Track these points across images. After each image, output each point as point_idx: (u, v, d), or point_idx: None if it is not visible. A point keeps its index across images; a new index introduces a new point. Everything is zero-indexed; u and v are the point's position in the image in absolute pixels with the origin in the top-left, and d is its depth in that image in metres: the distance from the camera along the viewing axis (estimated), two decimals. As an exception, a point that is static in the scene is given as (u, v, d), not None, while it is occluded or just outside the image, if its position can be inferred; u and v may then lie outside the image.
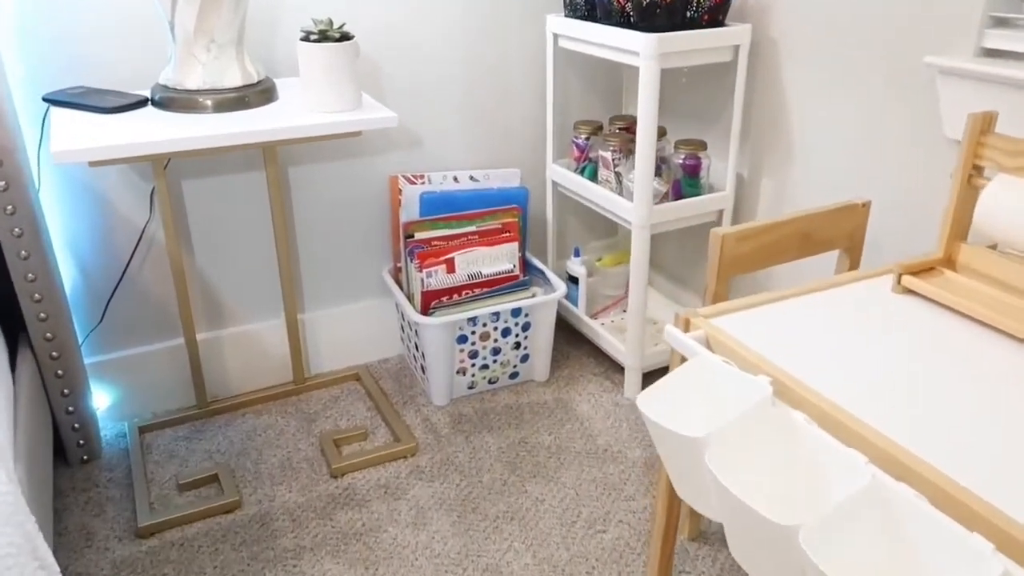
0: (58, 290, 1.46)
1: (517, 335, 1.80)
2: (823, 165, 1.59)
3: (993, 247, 1.11)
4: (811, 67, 1.56)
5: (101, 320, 1.67)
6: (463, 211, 1.80)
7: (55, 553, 1.38)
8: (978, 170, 1.08)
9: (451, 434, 1.69)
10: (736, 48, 1.62)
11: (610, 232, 2.20)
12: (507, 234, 1.80)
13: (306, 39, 1.40)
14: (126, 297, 1.68)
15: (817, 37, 1.53)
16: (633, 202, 1.64)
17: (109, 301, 1.67)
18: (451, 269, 1.74)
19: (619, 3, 1.58)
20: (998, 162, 1.04)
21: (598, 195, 1.77)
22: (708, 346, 1.02)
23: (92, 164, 1.28)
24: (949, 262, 1.13)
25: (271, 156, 1.60)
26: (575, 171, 1.89)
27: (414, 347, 1.83)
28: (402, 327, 1.92)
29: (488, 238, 1.78)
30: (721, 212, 1.76)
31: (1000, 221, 1.02)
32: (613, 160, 1.76)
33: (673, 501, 1.22)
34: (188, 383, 1.77)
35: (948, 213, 1.11)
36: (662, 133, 1.80)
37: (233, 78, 1.43)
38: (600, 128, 1.88)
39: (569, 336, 2.06)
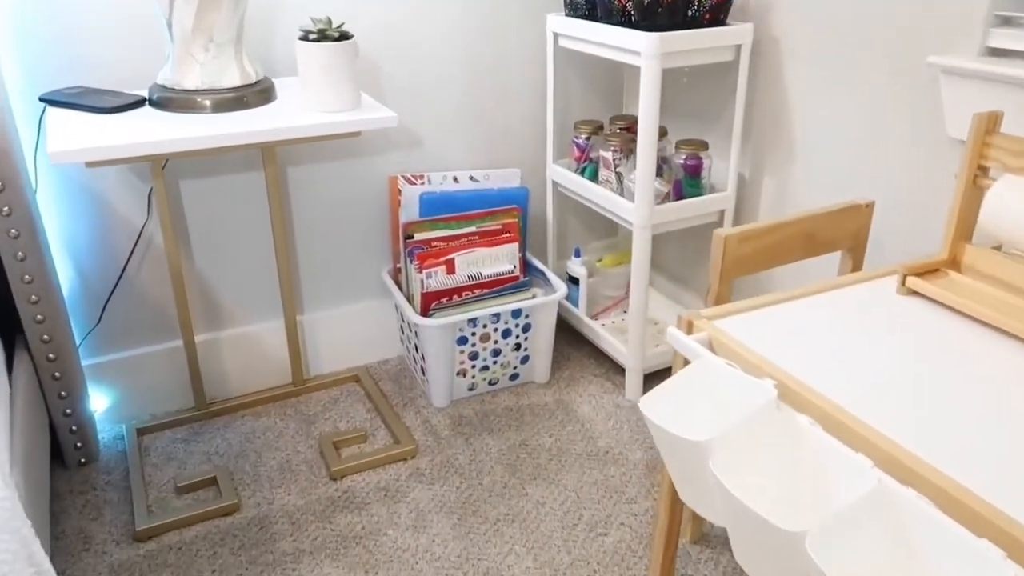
0: (55, 292, 1.45)
1: (517, 336, 1.79)
2: (825, 165, 1.58)
3: (998, 248, 1.11)
4: (813, 66, 1.55)
5: (99, 322, 1.66)
6: (463, 211, 1.79)
7: (52, 557, 1.37)
8: (983, 170, 1.07)
9: (451, 436, 1.68)
10: (738, 48, 1.61)
11: (610, 232, 2.19)
12: (507, 235, 1.79)
13: (305, 38, 1.39)
14: (124, 298, 1.67)
15: (819, 36, 1.52)
16: (634, 202, 1.63)
17: (107, 302, 1.66)
18: (451, 270, 1.73)
19: (620, 2, 1.57)
20: (1003, 162, 1.04)
21: (599, 195, 1.76)
22: (711, 348, 1.01)
23: (89, 165, 1.27)
24: (954, 263, 1.12)
25: (270, 156, 1.59)
26: (575, 171, 1.88)
27: (414, 348, 1.82)
28: (402, 328, 1.91)
29: (488, 239, 1.77)
30: (722, 212, 1.75)
31: (1006, 222, 1.01)
32: (614, 160, 1.75)
33: (675, 504, 1.21)
34: (186, 385, 1.76)
35: (953, 214, 1.10)
36: (663, 133, 1.79)
37: (231, 78, 1.42)
38: (601, 128, 1.87)
39: (569, 337, 2.05)
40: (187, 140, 1.28)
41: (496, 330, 1.75)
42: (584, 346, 2.01)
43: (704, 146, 1.71)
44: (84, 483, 1.54)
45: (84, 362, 1.66)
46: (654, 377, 1.86)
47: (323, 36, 1.39)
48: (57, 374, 1.49)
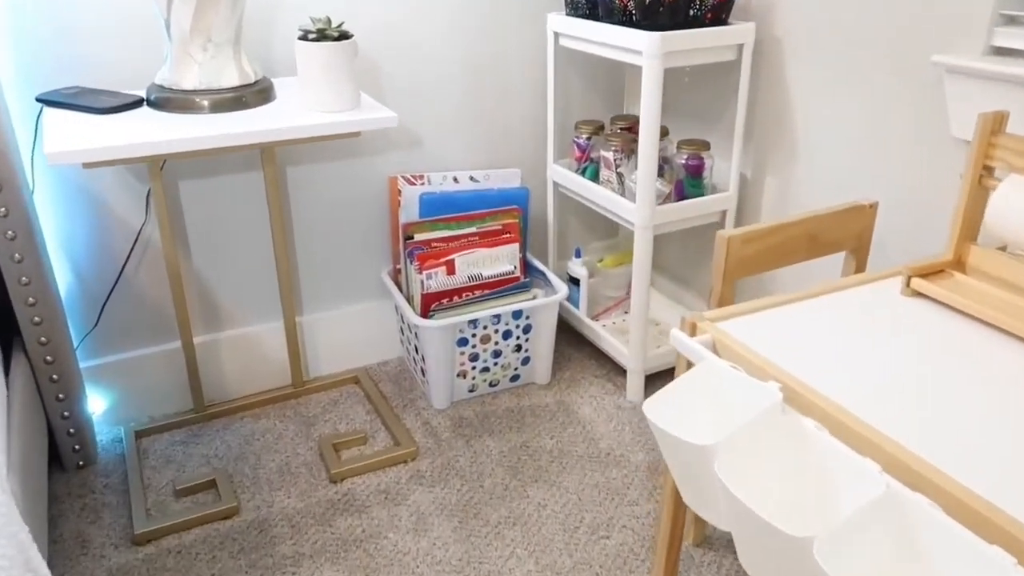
0: (52, 294, 1.44)
1: (518, 337, 1.78)
2: (828, 165, 1.57)
3: (1003, 249, 1.10)
4: (815, 66, 1.54)
5: (96, 324, 1.65)
6: (463, 212, 1.78)
7: (50, 561, 1.35)
8: (988, 171, 1.06)
9: (452, 438, 1.67)
10: (740, 47, 1.60)
11: (611, 233, 2.18)
12: (508, 235, 1.78)
13: (304, 38, 1.38)
14: (122, 300, 1.66)
15: (822, 35, 1.51)
16: (636, 203, 1.62)
17: (105, 304, 1.65)
18: (451, 271, 1.72)
19: (621, 2, 1.56)
20: (1009, 162, 1.03)
21: (600, 196, 1.75)
22: (714, 350, 1.00)
23: (86, 166, 1.26)
24: (959, 264, 1.11)
25: (269, 157, 1.58)
26: (576, 171, 1.87)
27: (414, 350, 1.81)
28: (401, 329, 1.90)
29: (489, 239, 1.76)
30: (724, 213, 1.74)
31: (1011, 222, 1.01)
32: (615, 160, 1.74)
33: (679, 507, 1.20)
34: (185, 387, 1.75)
35: (958, 214, 1.09)
36: (664, 133, 1.78)
37: (230, 78, 1.41)
38: (601, 128, 1.86)
39: (570, 338, 2.04)
40: (185, 141, 1.27)
41: (497, 331, 1.74)
42: (585, 347, 2.00)
43: (706, 146, 1.70)
44: (82, 486, 1.53)
45: (82, 364, 1.65)
46: (655, 378, 1.86)
47: (322, 36, 1.38)
48: (55, 376, 1.48)
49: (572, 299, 1.96)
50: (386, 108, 1.45)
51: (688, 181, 1.72)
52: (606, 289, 2.01)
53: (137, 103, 1.41)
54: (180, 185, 1.63)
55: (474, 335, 1.72)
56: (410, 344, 1.83)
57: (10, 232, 1.34)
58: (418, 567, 1.35)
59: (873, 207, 1.27)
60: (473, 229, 1.77)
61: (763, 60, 1.65)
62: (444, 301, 1.72)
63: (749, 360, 0.95)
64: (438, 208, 1.77)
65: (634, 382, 1.78)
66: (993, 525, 0.69)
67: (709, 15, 1.55)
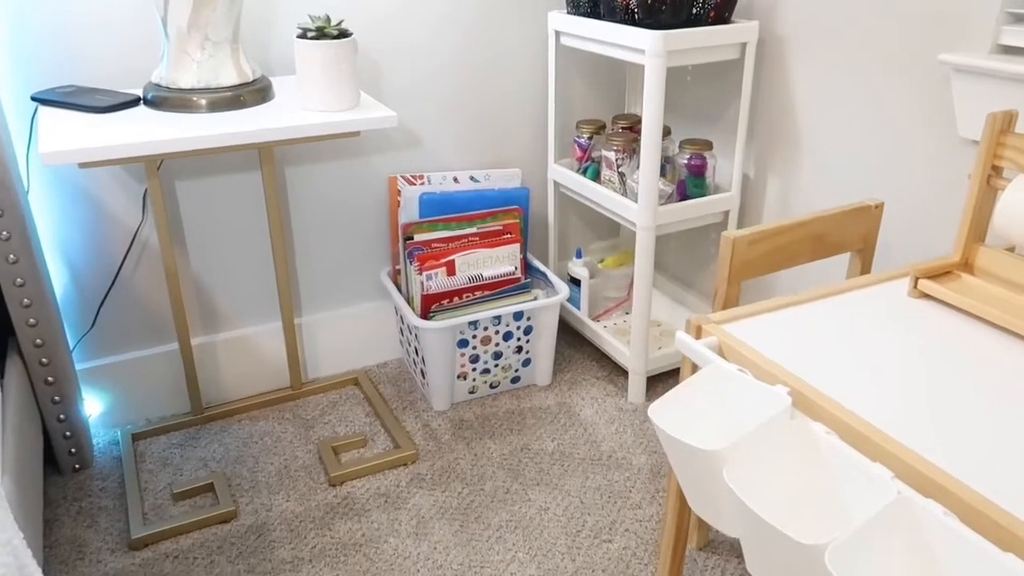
0: (48, 295, 1.42)
1: (519, 339, 1.76)
2: (831, 165, 1.56)
3: (1011, 250, 1.08)
4: (819, 65, 1.53)
5: (93, 325, 1.63)
6: (463, 212, 1.76)
7: (45, 566, 1.34)
8: (997, 171, 1.05)
9: (452, 440, 1.66)
10: (743, 46, 1.59)
11: (612, 233, 2.17)
12: (508, 235, 1.76)
13: (303, 36, 1.36)
14: (118, 301, 1.64)
15: (826, 34, 1.50)
16: (638, 203, 1.61)
17: (101, 305, 1.63)
18: (451, 271, 1.71)
19: (623, 0, 1.54)
20: (1018, 163, 1.01)
21: (601, 196, 1.73)
22: (721, 353, 0.99)
23: (82, 165, 1.25)
24: (966, 265, 1.10)
25: (267, 156, 1.57)
26: (577, 171, 1.85)
27: (414, 351, 1.79)
28: (401, 331, 1.89)
29: (489, 240, 1.74)
30: (727, 213, 1.73)
31: (1020, 223, 0.99)
32: (616, 160, 1.72)
33: (683, 511, 1.19)
34: (182, 389, 1.74)
35: (966, 215, 1.08)
36: (666, 132, 1.76)
37: (228, 77, 1.39)
38: (603, 127, 1.84)
39: (571, 339, 2.02)
40: (183, 140, 1.26)
41: (497, 332, 1.73)
42: (585, 348, 1.99)
43: (708, 145, 1.69)
44: (78, 490, 1.52)
45: (78, 366, 1.63)
46: (657, 380, 1.84)
47: (322, 34, 1.36)
48: (50, 379, 1.46)
49: (573, 300, 1.94)
50: (386, 107, 1.44)
51: (690, 181, 1.71)
52: (607, 290, 2.00)
53: (134, 102, 1.39)
54: (177, 185, 1.61)
55: (474, 336, 1.71)
56: (410, 345, 1.82)
57: (5, 233, 1.32)
58: (419, 572, 1.33)
59: (879, 207, 1.26)
60: (473, 229, 1.75)
61: (766, 59, 1.64)
62: (444, 302, 1.70)
63: (756, 363, 0.93)
64: (438, 208, 1.76)
65: (636, 384, 1.77)
66: (1007, 532, 0.68)
67: (712, 14, 1.54)
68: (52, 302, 1.44)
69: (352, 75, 1.40)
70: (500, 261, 1.75)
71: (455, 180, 1.84)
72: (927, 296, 1.09)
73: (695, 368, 1.02)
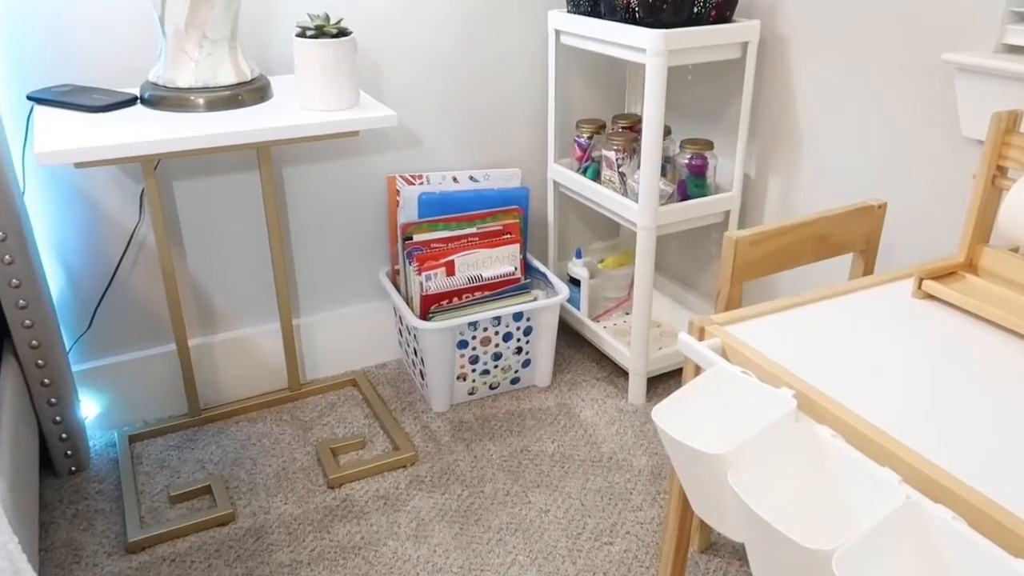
0: (44, 296, 1.41)
1: (519, 340, 1.75)
2: (833, 165, 1.55)
3: (1016, 250, 1.08)
4: (821, 64, 1.52)
5: (89, 326, 1.62)
6: (463, 212, 1.75)
7: (40, 570, 1.32)
8: (1002, 171, 1.04)
9: (451, 442, 1.65)
10: (744, 45, 1.58)
11: (612, 233, 2.16)
12: (508, 236, 1.75)
13: (302, 35, 1.35)
14: (115, 302, 1.63)
15: (828, 33, 1.49)
16: (639, 203, 1.60)
17: (98, 306, 1.62)
18: (451, 272, 1.69)
19: (624, -2, 1.53)
20: (1023, 163, 1.00)
21: (601, 196, 1.72)
22: (724, 355, 0.98)
23: (79, 165, 1.23)
24: (971, 266, 1.09)
25: (265, 156, 1.56)
26: (577, 171, 1.84)
27: (413, 352, 1.78)
28: (400, 331, 1.87)
29: (489, 240, 1.73)
30: (727, 213, 1.72)
31: (1026, 224, 0.98)
32: (617, 160, 1.71)
33: (685, 514, 1.18)
34: (180, 390, 1.72)
35: (970, 215, 1.07)
36: (667, 132, 1.75)
37: (226, 75, 1.38)
38: (603, 127, 1.83)
39: (570, 339, 2.01)
40: (180, 140, 1.25)
41: (497, 333, 1.72)
42: (585, 348, 1.98)
43: (709, 145, 1.68)
44: (74, 492, 1.50)
45: (74, 368, 1.62)
46: (657, 381, 1.83)
47: (321, 33, 1.35)
48: (46, 380, 1.45)
49: (572, 300, 1.93)
50: (385, 107, 1.43)
51: (691, 181, 1.70)
52: (607, 290, 1.99)
53: (131, 101, 1.38)
54: (175, 185, 1.60)
55: (474, 337, 1.70)
56: (409, 346, 1.81)
57: (0, 233, 1.31)
58: (418, 575, 1.32)
59: (882, 208, 1.25)
60: (473, 230, 1.74)
61: (768, 58, 1.63)
62: (444, 303, 1.69)
63: (760, 365, 0.92)
64: (437, 208, 1.75)
65: (636, 385, 1.76)
66: (1018, 538, 0.67)
67: (713, 12, 1.53)
68: (48, 303, 1.43)
69: (351, 74, 1.38)
70: (500, 261, 1.74)
71: (454, 180, 1.83)
72: (931, 297, 1.08)
73: (698, 370, 1.01)
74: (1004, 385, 0.89)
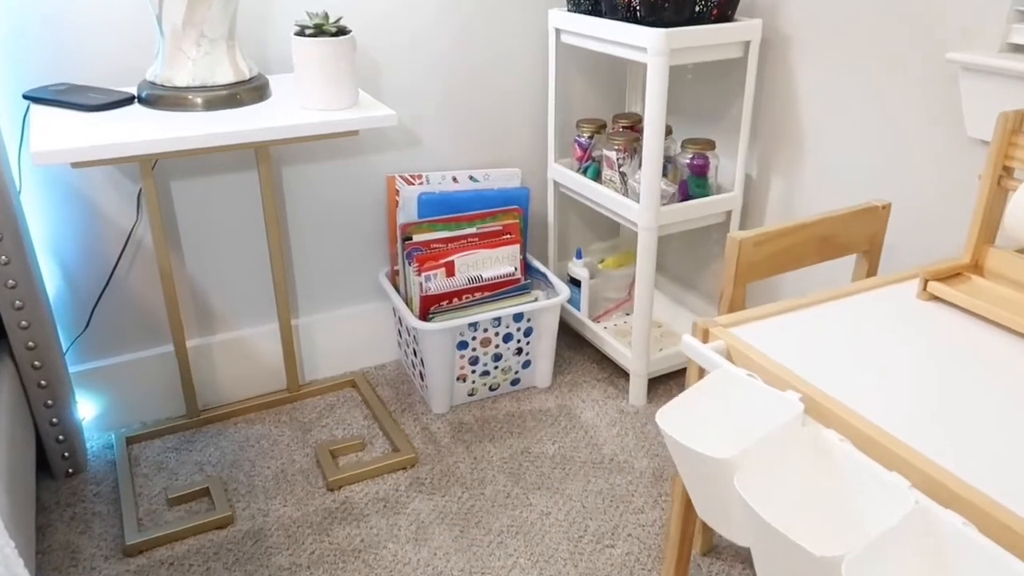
0: (41, 297, 1.39)
1: (519, 340, 1.74)
2: (836, 165, 1.54)
3: (1022, 251, 1.07)
4: (824, 63, 1.51)
5: (86, 327, 1.61)
6: (462, 212, 1.74)
7: (37, 573, 1.31)
8: (1008, 171, 1.03)
9: (451, 444, 1.64)
10: (746, 44, 1.57)
11: (612, 233, 2.15)
12: (508, 236, 1.74)
13: (301, 33, 1.34)
14: (112, 303, 1.62)
15: (831, 32, 1.48)
16: (640, 203, 1.59)
17: (95, 307, 1.60)
18: (451, 272, 1.68)
19: (625, -3, 1.52)
20: (1031, 163, 1.00)
21: (602, 196, 1.71)
22: (728, 357, 0.97)
23: (75, 165, 1.22)
24: (976, 267, 1.08)
25: (264, 156, 1.54)
26: (577, 171, 1.83)
27: (412, 353, 1.77)
28: (399, 332, 1.86)
29: (489, 240, 1.72)
30: (729, 213, 1.71)
31: (1033, 225, 0.97)
32: (618, 160, 1.70)
33: (688, 517, 1.17)
34: (178, 391, 1.71)
35: (976, 216, 1.06)
36: (668, 132, 1.74)
37: (224, 74, 1.37)
38: (603, 127, 1.82)
39: (570, 340, 2.00)
40: (178, 140, 1.23)
41: (497, 334, 1.71)
42: (585, 349, 1.97)
43: (711, 145, 1.67)
44: (71, 495, 1.49)
45: (71, 369, 1.61)
46: (658, 382, 1.82)
47: (320, 31, 1.34)
48: (43, 382, 1.43)
49: (573, 301, 1.92)
50: (385, 106, 1.41)
51: (693, 181, 1.69)
52: (607, 291, 1.98)
53: (128, 100, 1.37)
54: (172, 184, 1.59)
55: (474, 338, 1.69)
56: (408, 347, 1.79)
57: (-4, 234, 1.30)
58: (419, 578, 1.31)
59: (886, 208, 1.24)
60: (473, 230, 1.73)
61: (770, 57, 1.62)
62: (443, 303, 1.68)
63: (765, 368, 0.91)
64: (437, 208, 1.73)
65: (637, 386, 1.75)
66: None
67: (715, 11, 1.52)
68: (45, 304, 1.41)
69: (351, 73, 1.37)
70: (500, 262, 1.73)
71: (454, 180, 1.82)
72: (936, 298, 1.07)
73: (702, 372, 1.00)
74: (1010, 387, 0.88)
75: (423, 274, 1.66)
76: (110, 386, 1.65)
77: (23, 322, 1.37)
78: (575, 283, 1.91)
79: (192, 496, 1.48)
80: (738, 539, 0.89)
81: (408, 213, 1.75)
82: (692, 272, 2.00)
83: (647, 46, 1.47)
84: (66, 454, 1.51)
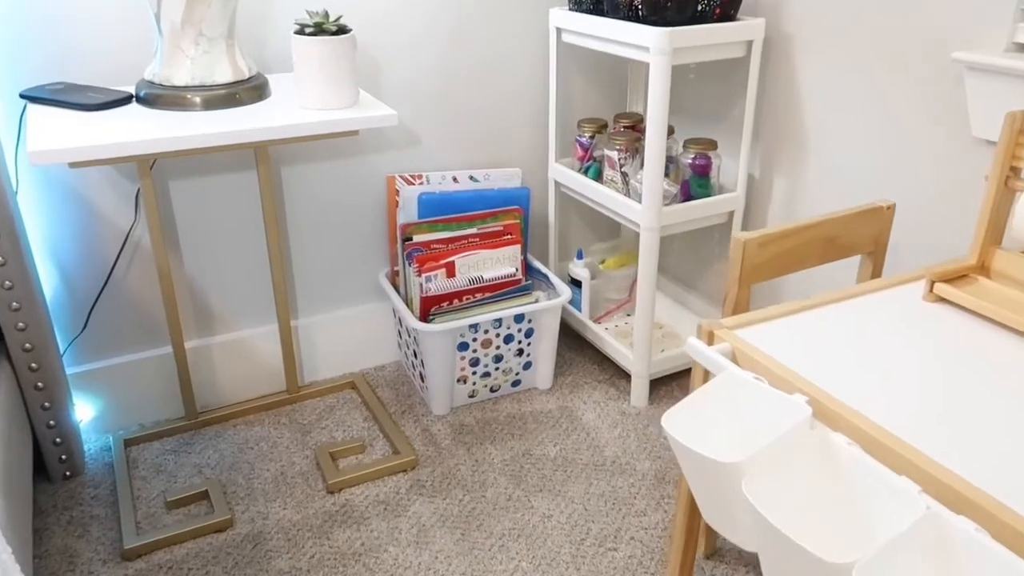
0: (38, 298, 1.38)
1: (520, 342, 1.73)
2: (839, 165, 1.53)
3: (1029, 253, 1.06)
4: (828, 62, 1.50)
5: (84, 328, 1.59)
6: (463, 212, 1.73)
7: (35, 577, 1.30)
8: (1015, 172, 1.02)
9: (452, 446, 1.62)
10: (749, 43, 1.56)
11: (613, 233, 2.14)
12: (509, 236, 1.73)
13: (301, 32, 1.33)
14: (110, 304, 1.60)
15: (834, 31, 1.47)
16: (642, 204, 1.58)
17: (92, 308, 1.59)
18: (451, 273, 1.67)
19: (627, -4, 1.51)
20: (1039, 163, 0.99)
21: (603, 196, 1.70)
22: (733, 359, 0.96)
23: (73, 165, 1.21)
24: (983, 268, 1.07)
25: (263, 156, 1.53)
26: (578, 171, 1.82)
27: (412, 354, 1.76)
28: (400, 333, 1.85)
29: (489, 240, 1.71)
30: (731, 214, 1.70)
31: (1041, 226, 0.97)
32: (619, 160, 1.69)
33: (692, 520, 1.16)
34: (176, 393, 1.70)
35: (983, 217, 1.05)
36: (669, 132, 1.73)
37: (223, 73, 1.35)
38: (604, 126, 1.81)
39: (571, 341, 1.99)
40: (176, 140, 1.22)
41: (498, 335, 1.70)
42: (586, 350, 1.96)
43: (713, 145, 1.66)
44: (69, 498, 1.48)
45: (69, 371, 1.59)
46: (659, 383, 1.81)
47: (320, 30, 1.33)
48: (40, 384, 1.42)
49: (573, 301, 1.91)
50: (385, 105, 1.40)
51: (695, 181, 1.68)
52: (608, 291, 1.97)
53: (126, 100, 1.36)
54: (171, 184, 1.58)
55: (475, 339, 1.68)
56: (408, 348, 1.78)
57: (-7, 234, 1.29)
58: (420, 582, 1.30)
59: (891, 209, 1.23)
60: (473, 230, 1.72)
61: (773, 57, 1.61)
62: (444, 304, 1.67)
63: (771, 370, 0.90)
64: (437, 209, 1.72)
65: (638, 387, 1.74)
66: (1042, 550, 0.65)
67: (717, 11, 1.51)
68: (42, 305, 1.40)
69: (351, 72, 1.36)
70: (501, 262, 1.72)
71: (454, 180, 1.81)
72: (942, 300, 1.06)
73: (706, 375, 0.99)
74: (1017, 388, 0.87)
75: (423, 275, 1.65)
76: (108, 388, 1.64)
77: (20, 323, 1.36)
78: (576, 284, 1.90)
79: (191, 499, 1.47)
80: (744, 544, 0.88)
81: (408, 213, 1.73)
82: (694, 273, 1.99)
83: (649, 45, 1.46)
84: (63, 457, 1.50)
